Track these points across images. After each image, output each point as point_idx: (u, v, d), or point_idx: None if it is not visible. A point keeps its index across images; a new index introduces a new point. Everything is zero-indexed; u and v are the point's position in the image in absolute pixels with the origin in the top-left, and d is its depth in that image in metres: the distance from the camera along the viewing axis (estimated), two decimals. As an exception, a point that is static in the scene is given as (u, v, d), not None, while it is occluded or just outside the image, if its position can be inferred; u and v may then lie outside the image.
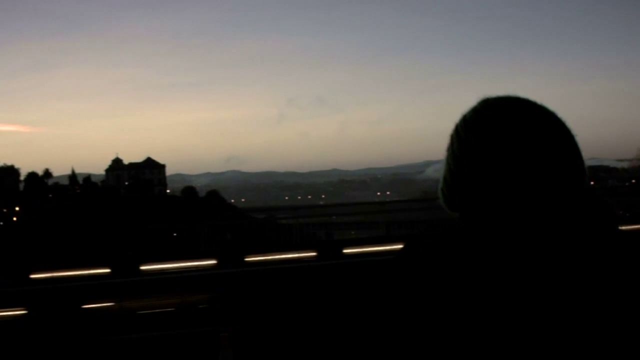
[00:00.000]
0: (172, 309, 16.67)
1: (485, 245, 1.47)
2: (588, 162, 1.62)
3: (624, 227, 1.57)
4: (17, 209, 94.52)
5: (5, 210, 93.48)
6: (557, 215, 1.46)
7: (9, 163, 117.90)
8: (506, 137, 1.51)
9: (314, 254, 22.07)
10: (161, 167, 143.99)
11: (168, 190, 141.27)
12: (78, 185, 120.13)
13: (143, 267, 20.24)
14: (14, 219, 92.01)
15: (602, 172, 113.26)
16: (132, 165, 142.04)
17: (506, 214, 1.48)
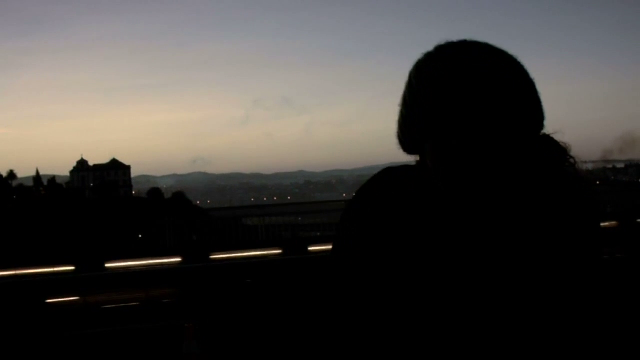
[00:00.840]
0: (137, 303, 16.64)
1: (431, 189, 1.49)
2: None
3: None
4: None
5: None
6: (506, 159, 1.41)
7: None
8: (458, 77, 1.42)
9: (279, 251, 22.13)
10: (126, 169, 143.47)
11: (134, 192, 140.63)
12: (43, 187, 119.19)
13: (108, 265, 20.17)
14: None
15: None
16: (97, 167, 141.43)
17: (453, 156, 1.43)
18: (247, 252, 22.17)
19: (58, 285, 17.69)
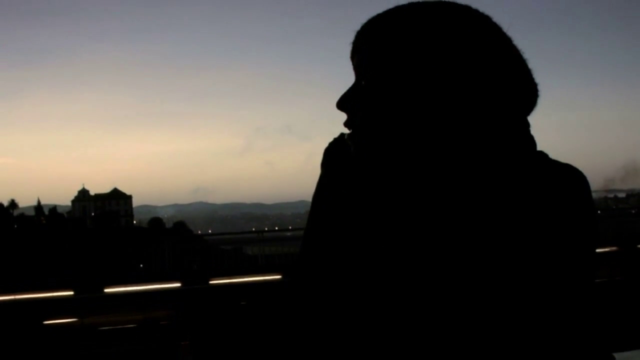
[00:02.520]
0: (134, 325, 16.66)
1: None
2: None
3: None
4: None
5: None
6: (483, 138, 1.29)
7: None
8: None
9: (278, 277, 22.17)
10: (128, 198, 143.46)
11: (135, 222, 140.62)
12: (44, 216, 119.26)
13: (107, 290, 20.18)
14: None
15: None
16: (99, 197, 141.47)
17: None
18: (246, 277, 22.21)
19: (56, 307, 17.71)
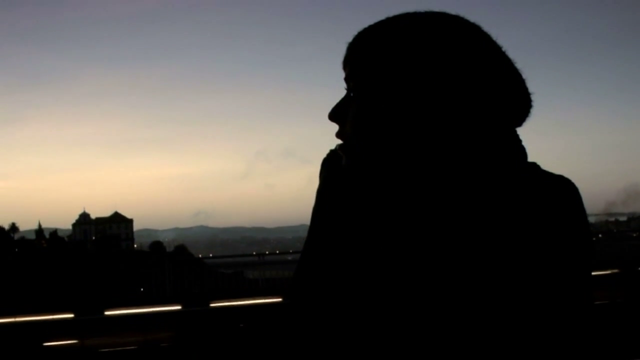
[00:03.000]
0: (135, 347, 16.57)
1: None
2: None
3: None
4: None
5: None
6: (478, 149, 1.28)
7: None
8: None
9: (279, 300, 22.10)
10: (128, 222, 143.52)
11: (135, 245, 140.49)
12: (45, 240, 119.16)
13: (107, 313, 20.14)
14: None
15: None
16: (100, 220, 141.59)
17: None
18: (247, 300, 22.16)
19: (56, 328, 17.65)
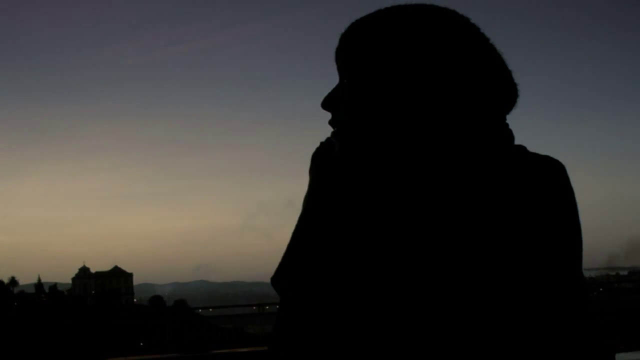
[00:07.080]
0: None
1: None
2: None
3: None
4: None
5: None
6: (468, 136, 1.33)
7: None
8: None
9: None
10: (128, 276, 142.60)
11: (135, 299, 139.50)
12: (44, 294, 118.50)
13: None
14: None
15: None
16: (99, 274, 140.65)
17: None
18: (248, 348, 22.14)
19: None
